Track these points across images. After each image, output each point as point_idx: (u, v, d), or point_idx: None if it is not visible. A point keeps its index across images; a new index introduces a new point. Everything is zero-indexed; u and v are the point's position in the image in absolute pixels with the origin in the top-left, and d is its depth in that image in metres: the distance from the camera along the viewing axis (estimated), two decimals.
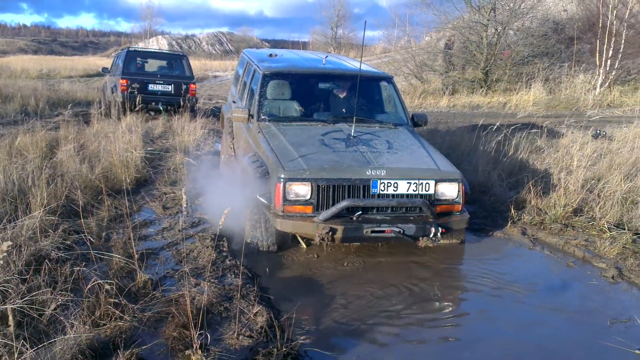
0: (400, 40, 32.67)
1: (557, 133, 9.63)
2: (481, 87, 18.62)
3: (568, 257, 5.12)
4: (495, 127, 8.73)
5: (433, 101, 17.51)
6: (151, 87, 12.17)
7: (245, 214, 4.73)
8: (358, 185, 4.36)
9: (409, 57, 20.37)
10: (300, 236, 4.93)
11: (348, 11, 46.75)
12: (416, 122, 5.85)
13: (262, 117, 5.42)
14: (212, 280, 4.02)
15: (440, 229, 4.42)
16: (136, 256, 3.98)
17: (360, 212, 4.39)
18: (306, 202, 4.35)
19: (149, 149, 8.37)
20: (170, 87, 12.40)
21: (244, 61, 7.03)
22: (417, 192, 4.47)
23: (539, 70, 18.03)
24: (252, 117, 5.46)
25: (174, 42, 69.29)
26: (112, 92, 12.62)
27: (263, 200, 4.51)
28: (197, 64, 38.35)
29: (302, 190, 4.34)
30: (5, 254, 2.75)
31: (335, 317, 3.72)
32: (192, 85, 12.64)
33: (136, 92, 11.47)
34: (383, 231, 4.35)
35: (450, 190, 4.62)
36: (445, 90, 18.26)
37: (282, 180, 4.30)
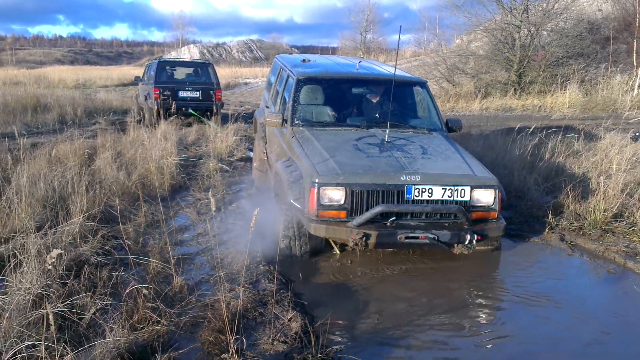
0: (430, 44, 32.47)
1: (594, 136, 9.41)
2: (514, 90, 18.32)
3: (608, 263, 4.98)
4: (530, 130, 8.59)
5: (465, 104, 17.33)
6: (181, 94, 12.92)
7: (278, 219, 4.74)
8: (392, 191, 4.29)
9: (440, 61, 20.19)
10: (333, 242, 4.92)
11: (377, 16, 46.78)
12: (450, 127, 5.78)
13: (296, 122, 5.41)
14: (246, 285, 4.05)
15: (475, 236, 4.29)
16: (172, 261, 4.04)
17: (395, 217, 4.31)
18: (340, 207, 4.29)
19: (183, 155, 8.50)
20: (198, 93, 13.18)
21: (277, 67, 7.08)
22: (452, 198, 4.36)
23: (574, 72, 17.66)
24: (286, 122, 5.46)
25: (205, 51, 70.37)
26: (146, 100, 13.28)
27: (297, 205, 4.48)
28: (227, 72, 38.90)
29: (336, 195, 4.28)
30: (54, 259, 2.82)
31: (369, 324, 3.70)
32: (217, 90, 13.42)
33: (169, 99, 12.17)
34: (417, 237, 4.25)
35: (486, 197, 4.48)
36: (477, 93, 18.03)
37: (316, 185, 4.27)
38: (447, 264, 4.84)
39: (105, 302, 3.52)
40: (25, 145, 7.13)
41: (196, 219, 5.74)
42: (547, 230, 5.63)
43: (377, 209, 4.20)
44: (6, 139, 7.54)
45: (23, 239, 4.21)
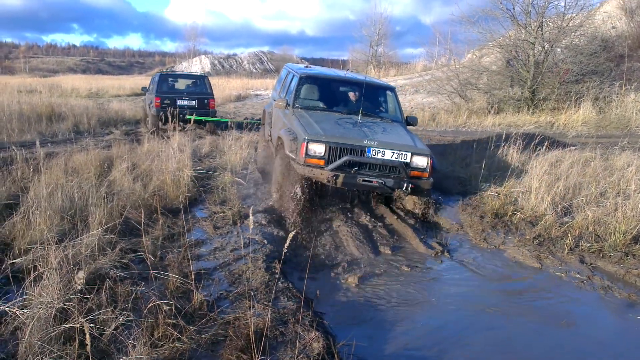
0: (441, 58, 32.48)
1: (610, 155, 9.32)
2: (528, 106, 18.24)
3: (629, 287, 4.90)
4: (545, 147, 8.54)
5: (477, 120, 17.23)
6: (179, 102, 14.25)
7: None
8: (357, 150, 6.07)
9: (453, 75, 20.15)
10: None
11: (389, 29, 46.61)
12: (409, 121, 7.71)
13: (296, 105, 7.29)
14: (265, 302, 4.01)
15: (410, 184, 6.03)
16: (192, 276, 4.01)
17: (357, 168, 6.02)
18: (320, 157, 6.04)
19: (197, 168, 8.49)
20: (194, 101, 14.64)
21: (286, 71, 9.04)
22: (397, 160, 6.11)
23: (588, 89, 17.53)
24: (289, 106, 7.30)
25: (216, 62, 70.89)
26: (149, 108, 14.38)
27: (291, 155, 6.22)
28: (238, 83, 39.08)
29: (319, 148, 6.03)
30: (82, 279, 2.82)
31: (393, 344, 3.65)
32: (211, 100, 15.01)
33: (168, 107, 13.39)
34: (371, 181, 6.01)
35: (421, 161, 6.23)
36: (490, 109, 17.96)
37: (305, 140, 6.03)
38: (469, 287, 4.80)
39: (126, 318, 3.49)
40: (41, 155, 7.15)
41: (212, 232, 5.72)
42: (566, 251, 5.56)
43: (345, 157, 5.99)
44: (22, 149, 7.57)
45: (42, 250, 4.19)
